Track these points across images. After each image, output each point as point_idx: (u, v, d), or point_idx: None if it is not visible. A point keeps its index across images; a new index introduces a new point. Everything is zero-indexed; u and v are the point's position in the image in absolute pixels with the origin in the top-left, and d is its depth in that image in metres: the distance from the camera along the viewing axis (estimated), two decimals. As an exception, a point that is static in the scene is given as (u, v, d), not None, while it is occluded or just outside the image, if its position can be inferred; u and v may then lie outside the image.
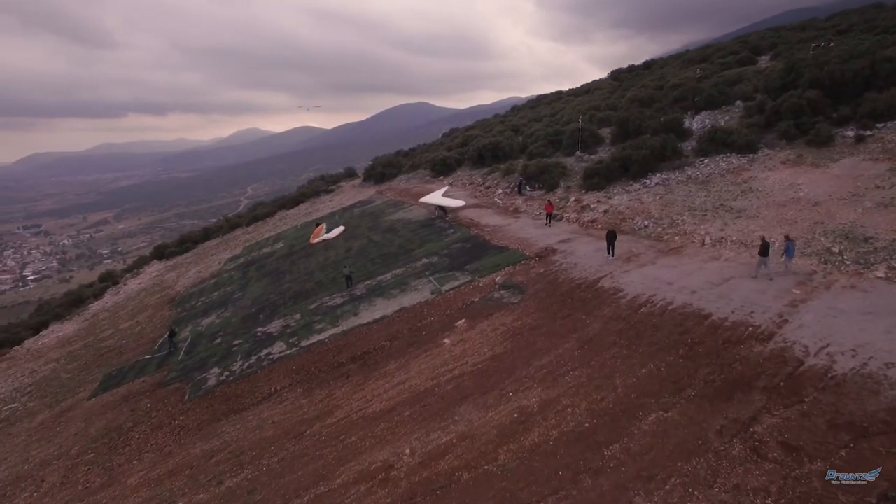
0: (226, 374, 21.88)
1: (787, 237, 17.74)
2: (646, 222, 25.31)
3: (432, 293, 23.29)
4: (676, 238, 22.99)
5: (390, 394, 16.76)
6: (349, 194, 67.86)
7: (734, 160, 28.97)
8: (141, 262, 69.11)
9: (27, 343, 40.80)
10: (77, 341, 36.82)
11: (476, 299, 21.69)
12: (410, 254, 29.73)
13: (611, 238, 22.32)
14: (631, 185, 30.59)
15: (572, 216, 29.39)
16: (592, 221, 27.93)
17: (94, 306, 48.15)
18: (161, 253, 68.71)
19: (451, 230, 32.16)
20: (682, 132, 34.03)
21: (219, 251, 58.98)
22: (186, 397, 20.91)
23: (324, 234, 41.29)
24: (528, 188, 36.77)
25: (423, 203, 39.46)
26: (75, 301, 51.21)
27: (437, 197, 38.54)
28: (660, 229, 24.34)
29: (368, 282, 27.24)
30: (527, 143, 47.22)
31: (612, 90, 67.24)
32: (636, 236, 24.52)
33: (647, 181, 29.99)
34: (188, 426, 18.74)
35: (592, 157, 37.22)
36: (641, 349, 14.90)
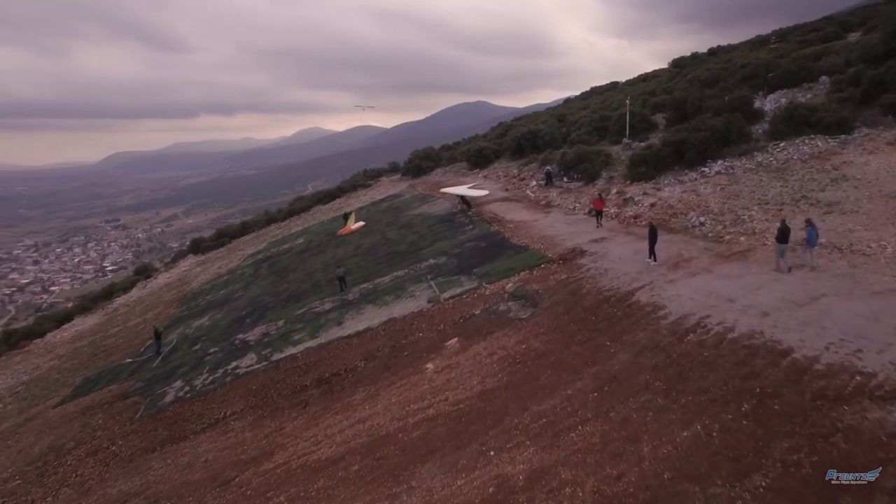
0: (186, 389, 18.75)
1: (808, 221, 14.88)
2: (702, 218, 20.15)
3: (429, 301, 19.24)
4: (742, 239, 17.81)
5: (345, 435, 12.86)
6: (384, 189, 64.85)
7: (819, 143, 23.13)
8: (178, 256, 68.97)
9: (48, 336, 40.04)
10: (87, 337, 35.39)
11: (478, 311, 17.44)
12: (418, 253, 25.78)
13: (653, 236, 17.49)
14: (685, 174, 25.27)
15: (611, 211, 24.45)
16: (635, 217, 22.95)
17: (119, 300, 47.32)
18: (197, 247, 68.18)
19: (471, 226, 27.95)
20: (751, 113, 28.20)
21: (247, 246, 57.34)
22: (137, 415, 17.93)
23: (353, 225, 38.43)
24: (564, 179, 31.94)
25: (444, 194, 35.55)
26: (106, 294, 50.77)
27: (458, 187, 34.49)
28: (720, 227, 19.17)
29: (365, 284, 23.52)
30: (570, 131, 42.17)
31: (670, 77, 60.64)
32: (689, 235, 19.46)
33: (706, 169, 24.60)
34: (121, 455, 15.62)
35: (642, 143, 31.91)
36: (685, 399, 10.23)
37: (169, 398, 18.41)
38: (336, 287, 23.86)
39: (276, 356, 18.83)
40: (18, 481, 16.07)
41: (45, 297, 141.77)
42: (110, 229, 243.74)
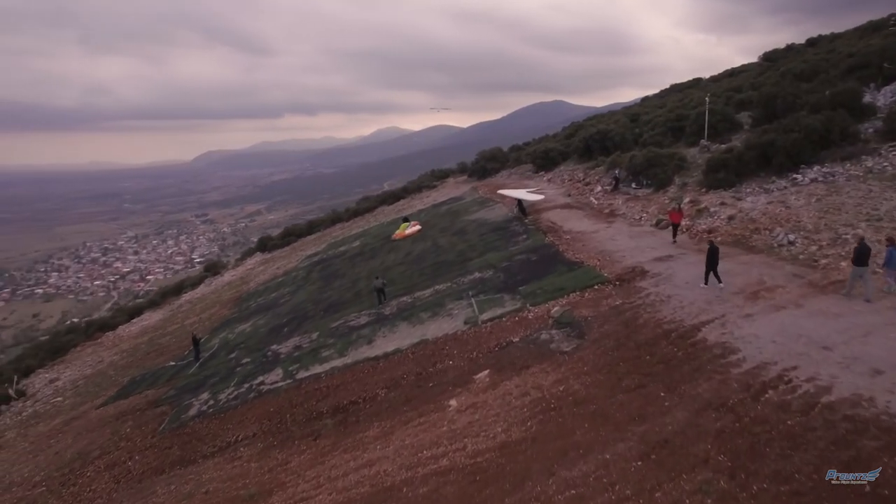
0: (210, 402, 18.17)
1: (890, 240, 12.62)
2: (791, 236, 16.93)
3: (465, 323, 17.45)
4: (843, 264, 14.58)
5: (349, 480, 11.38)
6: (448, 190, 63.59)
7: (951, 146, 19.01)
8: (247, 254, 71.30)
9: (119, 329, 42.14)
10: (148, 333, 36.71)
11: (517, 339, 15.42)
12: (466, 264, 24.03)
13: (712, 258, 14.91)
14: (773, 181, 21.77)
15: (682, 224, 21.46)
16: (709, 232, 19.90)
17: (186, 297, 49.20)
18: (264, 245, 70.11)
19: (524, 235, 25.81)
20: (859, 109, 24.00)
21: (309, 246, 58.04)
22: (161, 427, 17.53)
23: (406, 230, 37.47)
24: (633, 185, 28.97)
25: (502, 196, 33.66)
26: (175, 290, 53.11)
27: (515, 191, 32.46)
28: (814, 248, 15.94)
29: (404, 297, 22.10)
30: (643, 131, 38.74)
31: (760, 71, 54.77)
32: (773, 257, 16.37)
33: (799, 176, 21.02)
34: (134, 473, 15.11)
35: (723, 146, 28.27)
36: (757, 485, 7.81)
37: (192, 412, 17.89)
38: (374, 299, 22.63)
39: (302, 374, 17.80)
40: (43, 489, 16.03)
41: (142, 285, 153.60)
42: (199, 223, 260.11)
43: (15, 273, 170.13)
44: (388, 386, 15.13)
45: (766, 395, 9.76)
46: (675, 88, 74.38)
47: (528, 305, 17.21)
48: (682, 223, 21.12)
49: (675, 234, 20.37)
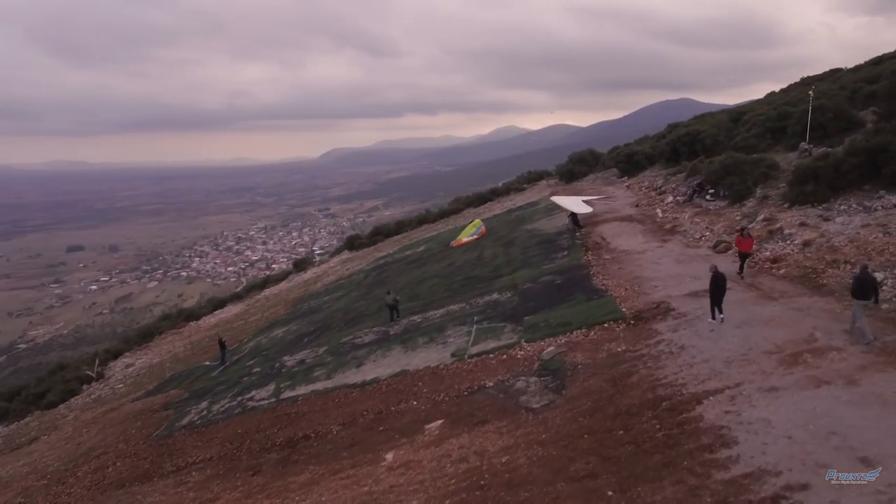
0: (204, 413, 18.10)
1: None
2: (879, 275, 12.65)
3: (453, 355, 15.48)
4: (944, 325, 10.41)
5: (248, 538, 10.17)
6: (531, 194, 60.73)
7: None
8: (336, 252, 73.96)
9: (202, 320, 45.42)
10: (218, 327, 38.91)
11: (491, 383, 13.19)
12: (493, 282, 21.86)
13: (717, 288, 12.26)
14: (879, 196, 16.86)
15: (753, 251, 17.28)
16: (773, 262, 15.81)
17: (266, 292, 51.82)
18: (352, 244, 72.14)
19: (565, 252, 22.96)
20: None
21: (387, 247, 58.52)
22: (155, 433, 17.73)
23: (464, 238, 35.94)
24: (707, 196, 24.59)
25: (555, 203, 30.77)
26: (260, 284, 56.33)
27: (568, 199, 29.37)
28: (910, 296, 11.70)
29: (416, 317, 20.53)
30: (739, 132, 33.18)
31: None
32: (844, 303, 12.31)
33: (915, 193, 16.01)
34: (105, 482, 15.23)
35: (830, 150, 22.84)
36: None
37: (185, 421, 17.94)
38: (386, 315, 21.34)
39: (286, 394, 17.02)
40: (45, 482, 16.86)
41: (267, 273, 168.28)
42: (322, 217, 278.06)
43: (167, 257, 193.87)
44: (345, 422, 13.72)
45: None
46: (806, 82, 63.85)
47: (522, 341, 14.81)
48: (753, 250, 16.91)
49: (742, 267, 15.71)
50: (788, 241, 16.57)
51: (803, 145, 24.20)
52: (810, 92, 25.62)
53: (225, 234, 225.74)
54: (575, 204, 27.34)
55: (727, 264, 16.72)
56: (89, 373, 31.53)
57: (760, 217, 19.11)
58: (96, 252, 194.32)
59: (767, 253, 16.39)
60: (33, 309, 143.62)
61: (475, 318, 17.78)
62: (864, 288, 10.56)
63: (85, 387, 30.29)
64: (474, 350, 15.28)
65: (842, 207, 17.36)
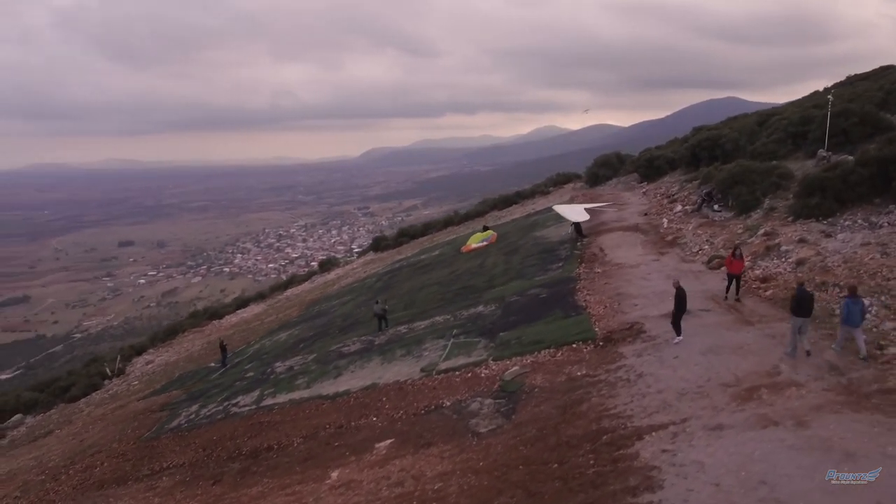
0: (192, 416, 18.63)
1: (851, 290, 10.30)
2: (866, 300, 11.71)
3: (422, 370, 15.37)
4: (919, 361, 9.55)
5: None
6: (553, 198, 59.68)
7: None
8: (363, 252, 74.78)
9: (224, 319, 46.79)
10: (237, 327, 40.01)
11: (449, 402, 13.01)
12: (484, 293, 21.59)
13: (679, 305, 12.28)
14: (888, 212, 15.65)
15: (743, 273, 16.36)
16: (763, 281, 14.93)
17: (288, 292, 52.91)
18: (378, 245, 72.76)
19: (560, 263, 22.44)
20: None
21: (408, 250, 58.72)
22: (145, 435, 18.37)
23: (473, 245, 35.66)
24: (715, 206, 23.50)
25: (556, 211, 30.07)
26: (285, 284, 57.57)
27: (569, 207, 28.69)
28: (890, 325, 10.78)
29: (402, 327, 20.50)
30: (761, 137, 31.55)
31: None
32: (822, 331, 11.48)
33: (926, 210, 14.77)
34: (89, 483, 15.80)
35: (850, 158, 21.36)
36: None
37: (174, 423, 18.51)
38: (374, 325, 21.39)
39: (267, 402, 17.31)
40: (43, 477, 17.71)
41: (306, 270, 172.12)
42: (361, 216, 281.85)
43: (210, 253, 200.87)
44: (308, 435, 13.84)
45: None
46: (851, 80, 59.98)
47: (490, 359, 14.55)
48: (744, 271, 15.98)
49: (728, 289, 14.60)
50: (783, 259, 15.62)
51: (821, 152, 22.75)
52: (829, 97, 23.97)
53: (266, 231, 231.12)
54: (574, 213, 26.58)
55: (716, 282, 15.96)
56: (107, 369, 32.99)
57: (761, 231, 18.08)
58: (145, 247, 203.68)
59: (758, 271, 15.48)
60: (87, 301, 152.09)
61: (454, 331, 17.60)
62: (802, 306, 10.54)
63: (106, 382, 31.74)
64: (444, 366, 15.13)
65: (846, 223, 16.23)
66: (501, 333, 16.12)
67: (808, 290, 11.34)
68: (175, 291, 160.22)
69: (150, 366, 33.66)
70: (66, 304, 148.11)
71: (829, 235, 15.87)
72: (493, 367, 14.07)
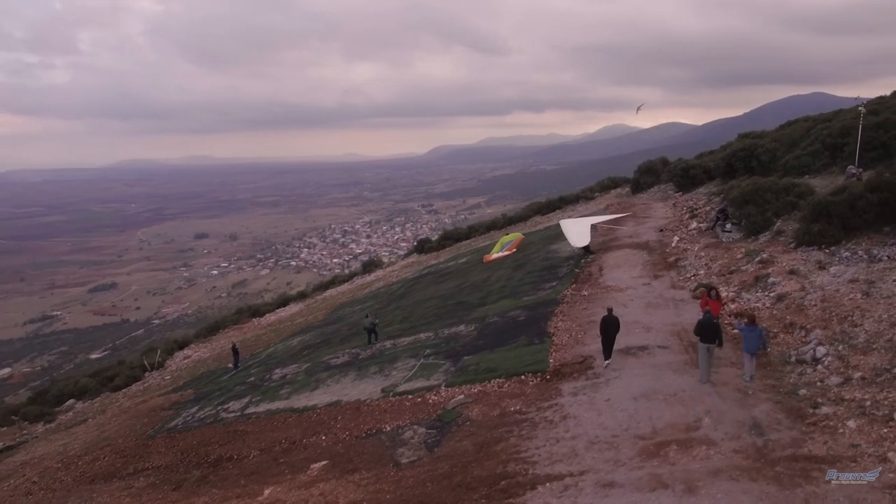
0: (189, 418, 19.94)
1: (750, 319, 10.88)
2: (822, 348, 10.74)
3: (383, 391, 15.67)
4: (851, 424, 8.70)
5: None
6: (593, 205, 57.85)
7: None
8: (407, 254, 75.92)
9: (265, 317, 49.14)
10: (270, 326, 41.99)
11: (388, 428, 13.25)
12: (473, 310, 21.57)
13: (607, 330, 12.71)
14: (894, 243, 14.10)
15: (724, 295, 15.39)
16: (737, 315, 13.94)
17: (328, 292, 54.74)
18: (422, 247, 73.53)
19: (555, 282, 21.94)
20: None
21: (445, 254, 58.92)
22: (149, 432, 19.88)
23: (494, 254, 35.48)
24: (727, 225, 22.05)
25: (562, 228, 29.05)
26: (328, 284, 59.56)
27: (572, 223, 27.82)
28: (838, 379, 9.89)
29: (388, 342, 20.87)
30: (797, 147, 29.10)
31: None
32: (768, 381, 10.67)
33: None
34: (87, 475, 17.31)
35: (887, 174, 19.32)
36: None
37: (172, 424, 19.88)
38: (364, 339, 21.89)
39: (249, 410, 18.25)
40: (59, 465, 19.60)
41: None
42: (424, 213, 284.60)
43: (279, 247, 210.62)
44: (264, 448, 14.55)
45: None
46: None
47: (443, 385, 14.61)
48: (724, 295, 15.08)
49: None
50: (767, 293, 14.53)
51: (850, 169, 20.77)
52: (861, 108, 21.73)
53: (332, 226, 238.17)
54: (575, 233, 25.48)
55: (693, 314, 15.09)
56: (145, 362, 35.73)
57: (757, 258, 16.83)
58: (218, 240, 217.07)
59: (735, 307, 14.49)
60: (166, 289, 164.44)
61: (426, 351, 17.75)
62: (706, 332, 11.04)
63: (146, 374, 34.46)
64: (403, 388, 15.35)
65: (846, 254, 14.83)
66: (465, 357, 16.12)
67: (713, 319, 11.56)
68: (244, 283, 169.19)
69: (186, 360, 36.13)
70: (148, 291, 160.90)
71: (823, 267, 14.57)
72: (443, 394, 14.15)
